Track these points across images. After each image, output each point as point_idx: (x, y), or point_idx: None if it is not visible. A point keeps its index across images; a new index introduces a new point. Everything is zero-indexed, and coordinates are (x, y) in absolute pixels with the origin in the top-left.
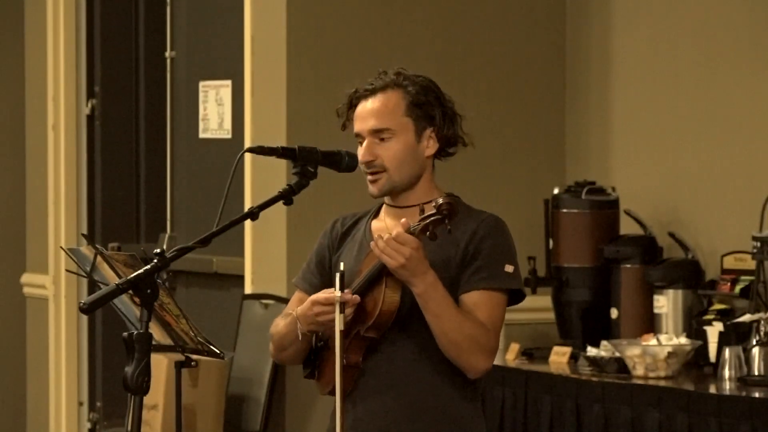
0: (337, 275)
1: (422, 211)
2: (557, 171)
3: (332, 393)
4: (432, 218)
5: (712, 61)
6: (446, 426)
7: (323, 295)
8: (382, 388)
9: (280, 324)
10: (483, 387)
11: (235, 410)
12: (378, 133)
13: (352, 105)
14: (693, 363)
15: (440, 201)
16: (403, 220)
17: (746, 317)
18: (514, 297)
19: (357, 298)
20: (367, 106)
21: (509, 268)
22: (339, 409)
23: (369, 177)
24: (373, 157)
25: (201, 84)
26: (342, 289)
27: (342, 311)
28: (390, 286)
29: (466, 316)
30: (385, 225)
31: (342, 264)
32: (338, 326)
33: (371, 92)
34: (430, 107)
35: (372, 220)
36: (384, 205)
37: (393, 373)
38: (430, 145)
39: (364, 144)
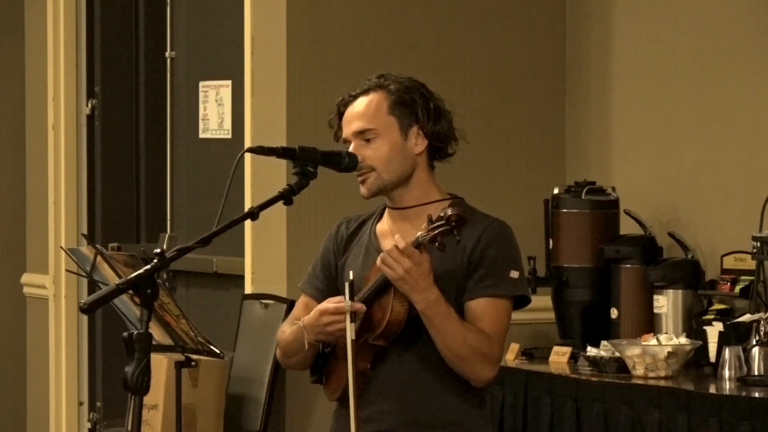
0: (347, 284)
1: (430, 219)
2: (557, 171)
3: (340, 399)
4: (441, 229)
5: (712, 61)
6: (451, 431)
7: (332, 305)
8: (387, 393)
9: (286, 331)
10: (488, 392)
11: (235, 410)
12: (362, 135)
13: (339, 114)
14: (693, 363)
15: (449, 212)
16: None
17: (746, 317)
18: (520, 301)
19: (364, 307)
20: (352, 110)
21: (514, 274)
22: (353, 417)
23: (359, 178)
24: (360, 158)
25: (201, 84)
26: (352, 297)
27: (353, 320)
28: (398, 296)
29: (469, 329)
30: (389, 228)
31: (351, 273)
32: (350, 335)
33: (354, 97)
34: (413, 105)
35: (376, 223)
36: (386, 208)
37: (400, 379)
38: (418, 143)
39: (351, 147)
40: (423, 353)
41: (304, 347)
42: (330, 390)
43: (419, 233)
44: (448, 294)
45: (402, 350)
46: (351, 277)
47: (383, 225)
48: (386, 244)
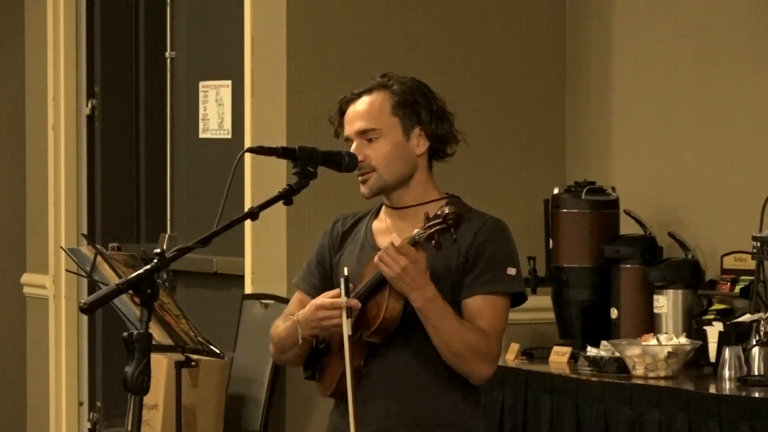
0: (342, 280)
1: (427, 217)
2: (557, 171)
3: (333, 395)
4: (438, 227)
5: (712, 61)
6: (446, 430)
7: (328, 300)
8: (383, 391)
9: (280, 327)
10: (484, 390)
11: (235, 410)
12: (365, 134)
13: (341, 111)
14: (693, 363)
15: (446, 210)
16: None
17: (746, 317)
18: (517, 298)
19: (359, 303)
20: (354, 109)
21: (511, 271)
22: (352, 413)
23: (360, 178)
24: (362, 157)
25: (201, 84)
26: (348, 294)
27: (349, 316)
28: (393, 294)
29: (467, 326)
30: (386, 226)
31: (346, 269)
32: (346, 331)
33: (358, 96)
34: (416, 106)
35: (373, 220)
36: (383, 206)
37: (394, 377)
38: (420, 144)
39: (353, 146)
40: (418, 351)
41: (297, 342)
42: (323, 386)
43: (416, 231)
44: (444, 292)
45: (397, 348)
46: (346, 272)
47: (380, 222)
48: (382, 241)
